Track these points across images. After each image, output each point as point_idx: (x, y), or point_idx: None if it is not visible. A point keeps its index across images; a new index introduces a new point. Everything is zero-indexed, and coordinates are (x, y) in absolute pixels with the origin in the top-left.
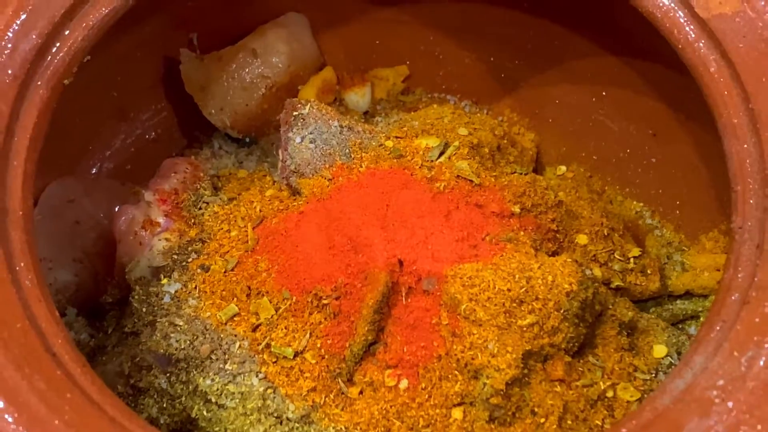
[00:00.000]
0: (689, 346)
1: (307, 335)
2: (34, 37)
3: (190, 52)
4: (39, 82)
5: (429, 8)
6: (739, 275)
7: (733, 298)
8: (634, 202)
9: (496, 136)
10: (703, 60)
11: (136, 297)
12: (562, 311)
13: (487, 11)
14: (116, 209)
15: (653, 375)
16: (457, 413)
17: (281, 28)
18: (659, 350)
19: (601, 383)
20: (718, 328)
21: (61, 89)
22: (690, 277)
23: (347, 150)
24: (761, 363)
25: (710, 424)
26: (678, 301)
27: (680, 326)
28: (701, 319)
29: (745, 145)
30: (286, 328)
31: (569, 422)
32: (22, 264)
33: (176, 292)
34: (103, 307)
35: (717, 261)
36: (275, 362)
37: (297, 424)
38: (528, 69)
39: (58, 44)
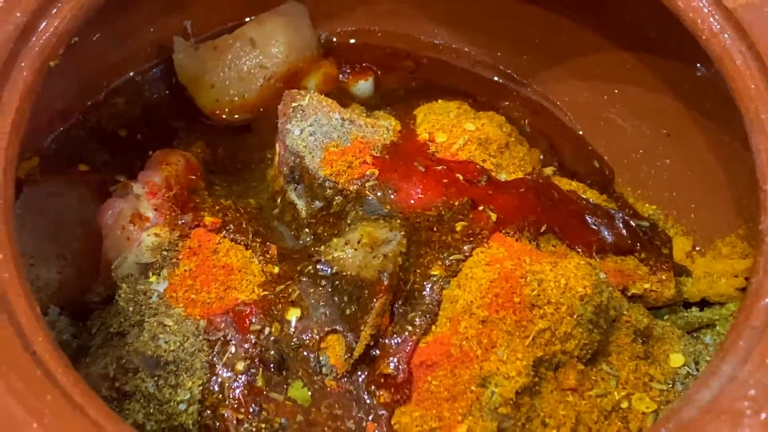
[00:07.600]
0: (715, 354)
1: None
2: (18, 14)
3: (184, 41)
4: (23, 64)
5: (432, 0)
6: None
7: (763, 303)
8: (647, 205)
9: (504, 132)
10: (728, 52)
11: (123, 295)
12: (575, 316)
13: (493, 5)
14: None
15: (670, 385)
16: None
17: (280, 17)
18: (676, 359)
19: (615, 393)
20: (747, 334)
21: (47, 72)
22: (706, 284)
23: (348, 144)
24: None
25: None
26: (693, 309)
27: (695, 335)
28: (718, 328)
29: None
30: None
31: None
32: (1, 256)
33: (165, 290)
34: (88, 306)
35: (735, 267)
36: None
37: None
38: (536, 65)
39: (44, 23)
